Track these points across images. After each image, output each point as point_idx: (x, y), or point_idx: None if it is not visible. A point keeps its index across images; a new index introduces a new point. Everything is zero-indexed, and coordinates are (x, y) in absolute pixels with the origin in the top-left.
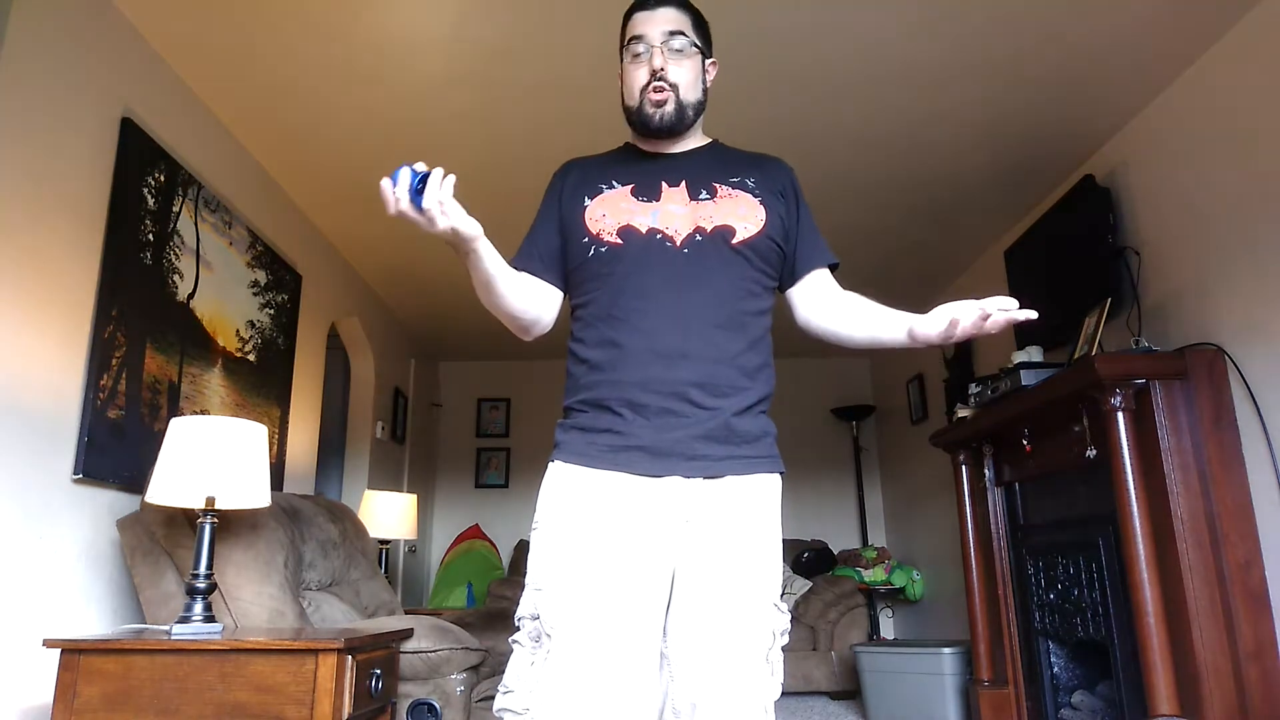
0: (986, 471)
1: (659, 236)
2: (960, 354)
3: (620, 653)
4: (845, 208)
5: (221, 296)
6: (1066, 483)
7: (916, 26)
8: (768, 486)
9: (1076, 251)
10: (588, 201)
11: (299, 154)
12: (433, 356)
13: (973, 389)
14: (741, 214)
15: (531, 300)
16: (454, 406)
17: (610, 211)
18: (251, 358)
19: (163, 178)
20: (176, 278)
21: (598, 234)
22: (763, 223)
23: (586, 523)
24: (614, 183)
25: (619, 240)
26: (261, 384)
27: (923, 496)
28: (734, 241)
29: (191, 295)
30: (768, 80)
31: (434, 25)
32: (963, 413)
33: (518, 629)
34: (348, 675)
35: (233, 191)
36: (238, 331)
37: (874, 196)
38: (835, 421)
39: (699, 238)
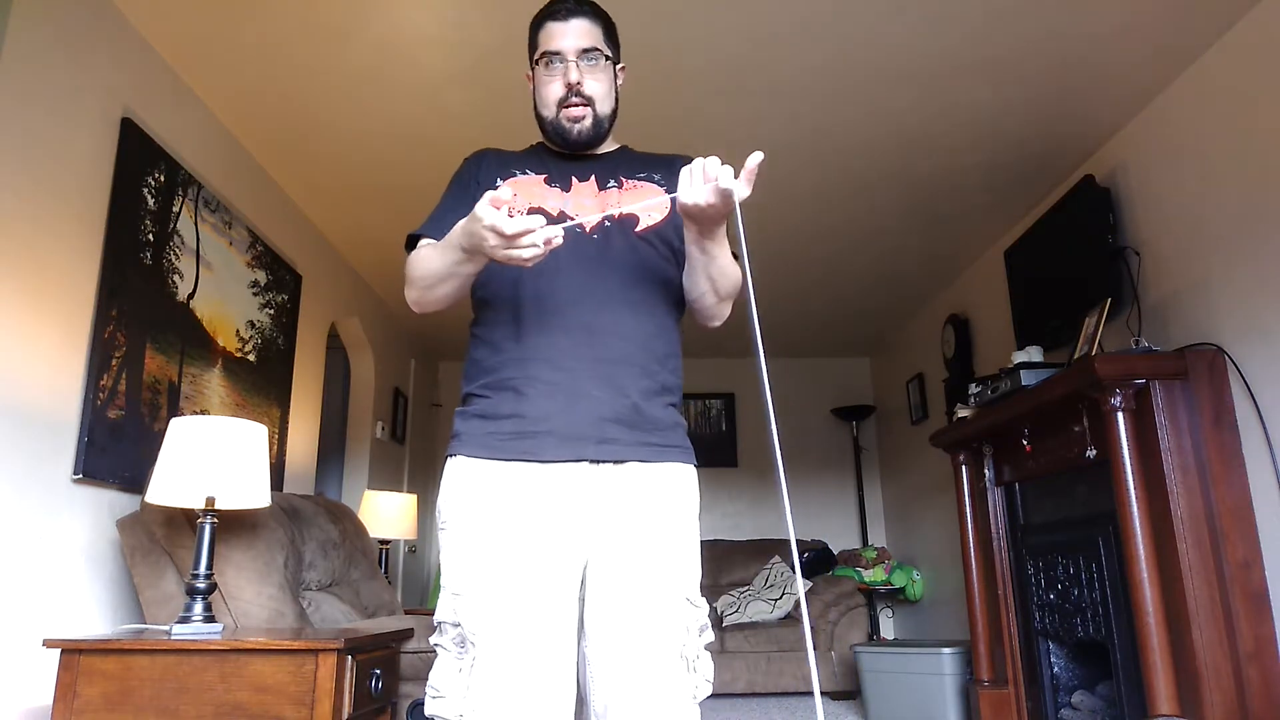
0: (986, 471)
1: (568, 221)
2: (960, 354)
3: (543, 657)
4: (845, 208)
5: (221, 296)
6: (1066, 483)
7: (917, 27)
8: (681, 477)
9: (1076, 252)
10: (500, 183)
11: (299, 154)
12: (433, 356)
13: (973, 389)
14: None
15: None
16: (454, 406)
17: (522, 193)
18: (251, 358)
19: (163, 178)
20: (176, 278)
21: (507, 212)
22: (667, 210)
23: (494, 522)
24: (527, 170)
25: None
26: (261, 384)
27: (923, 496)
28: (637, 230)
29: (191, 295)
30: (768, 80)
31: (434, 24)
32: (963, 413)
33: (439, 632)
34: (348, 675)
35: (233, 191)
36: (238, 331)
37: (874, 196)
38: (835, 421)
39: (607, 223)
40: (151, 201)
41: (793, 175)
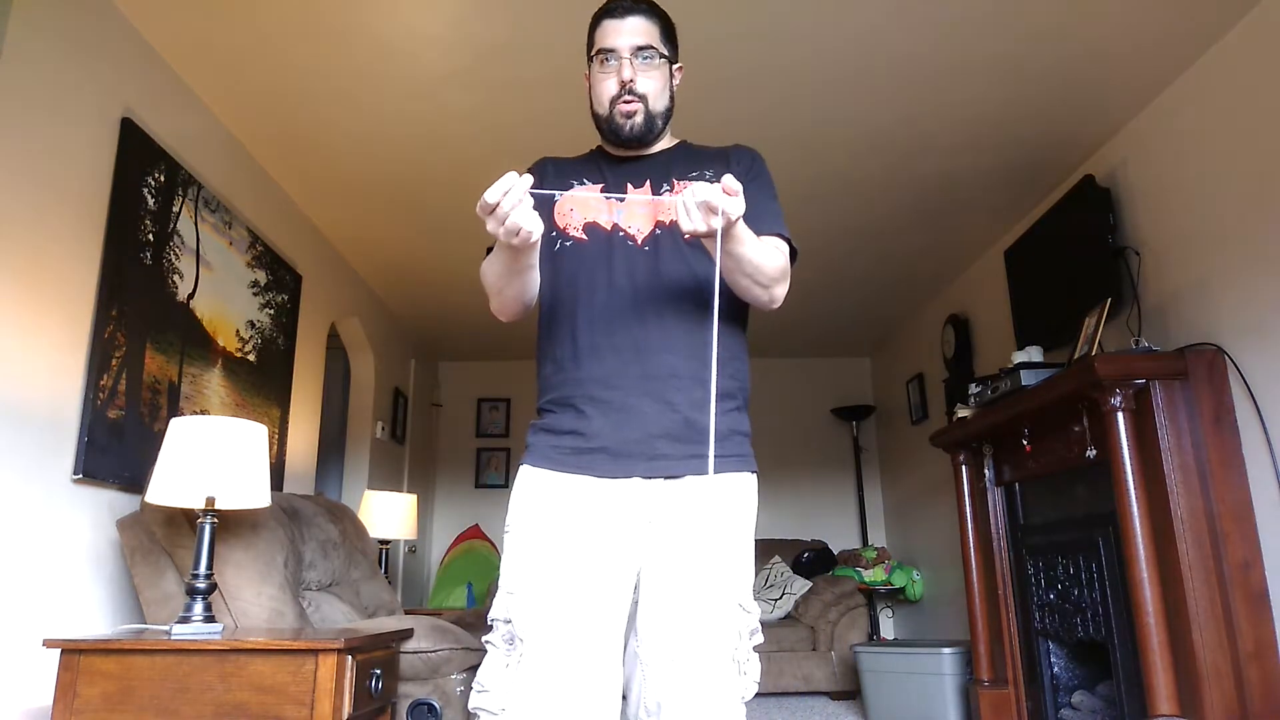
0: (986, 471)
1: (621, 234)
2: (960, 354)
3: (588, 657)
4: (845, 208)
5: (221, 296)
6: (1066, 483)
7: (917, 26)
8: (734, 486)
9: (1076, 252)
10: (558, 196)
11: (299, 154)
12: (433, 356)
13: (973, 389)
14: None
15: (536, 285)
16: (454, 406)
17: (578, 207)
18: (251, 358)
19: (163, 178)
20: (176, 278)
21: (564, 228)
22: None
23: (553, 528)
24: (585, 180)
25: (584, 236)
26: (261, 384)
27: (923, 496)
28: (687, 236)
29: (191, 295)
30: (767, 80)
31: (433, 24)
32: (963, 413)
33: (491, 629)
34: (348, 675)
35: (233, 191)
36: (238, 331)
37: (874, 196)
38: (835, 421)
39: (658, 232)
40: (151, 201)
41: (792, 175)
